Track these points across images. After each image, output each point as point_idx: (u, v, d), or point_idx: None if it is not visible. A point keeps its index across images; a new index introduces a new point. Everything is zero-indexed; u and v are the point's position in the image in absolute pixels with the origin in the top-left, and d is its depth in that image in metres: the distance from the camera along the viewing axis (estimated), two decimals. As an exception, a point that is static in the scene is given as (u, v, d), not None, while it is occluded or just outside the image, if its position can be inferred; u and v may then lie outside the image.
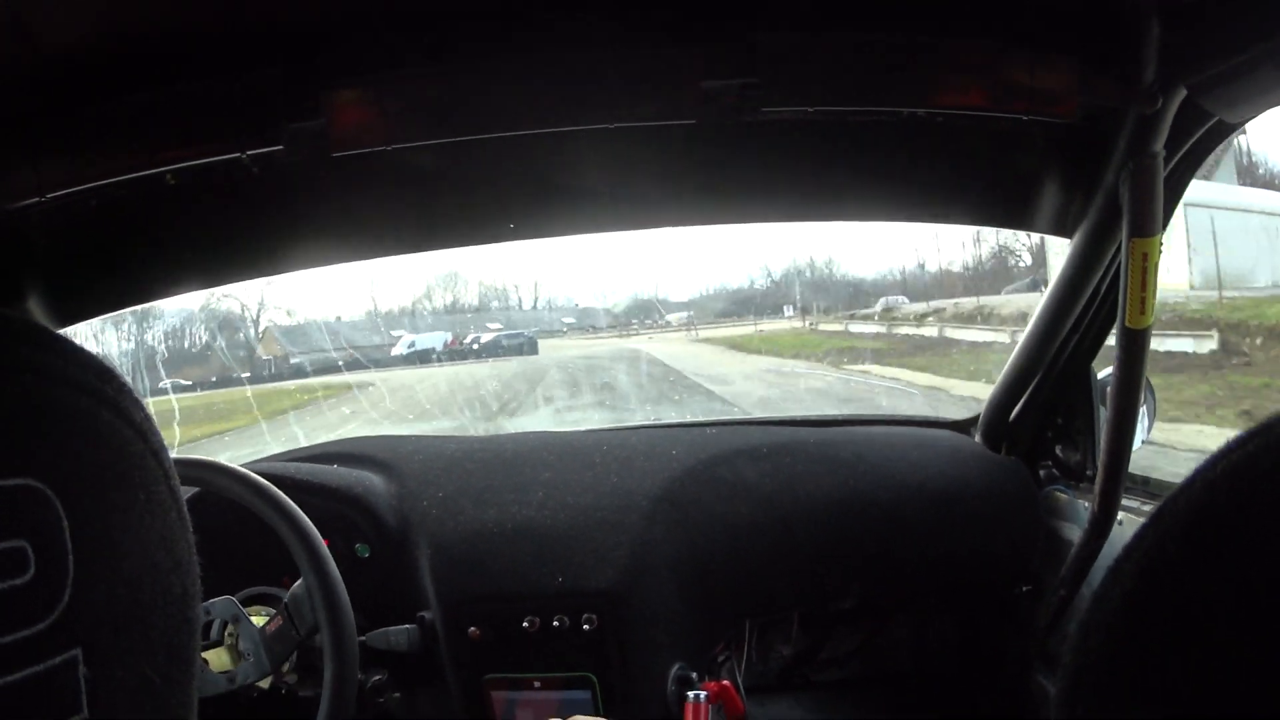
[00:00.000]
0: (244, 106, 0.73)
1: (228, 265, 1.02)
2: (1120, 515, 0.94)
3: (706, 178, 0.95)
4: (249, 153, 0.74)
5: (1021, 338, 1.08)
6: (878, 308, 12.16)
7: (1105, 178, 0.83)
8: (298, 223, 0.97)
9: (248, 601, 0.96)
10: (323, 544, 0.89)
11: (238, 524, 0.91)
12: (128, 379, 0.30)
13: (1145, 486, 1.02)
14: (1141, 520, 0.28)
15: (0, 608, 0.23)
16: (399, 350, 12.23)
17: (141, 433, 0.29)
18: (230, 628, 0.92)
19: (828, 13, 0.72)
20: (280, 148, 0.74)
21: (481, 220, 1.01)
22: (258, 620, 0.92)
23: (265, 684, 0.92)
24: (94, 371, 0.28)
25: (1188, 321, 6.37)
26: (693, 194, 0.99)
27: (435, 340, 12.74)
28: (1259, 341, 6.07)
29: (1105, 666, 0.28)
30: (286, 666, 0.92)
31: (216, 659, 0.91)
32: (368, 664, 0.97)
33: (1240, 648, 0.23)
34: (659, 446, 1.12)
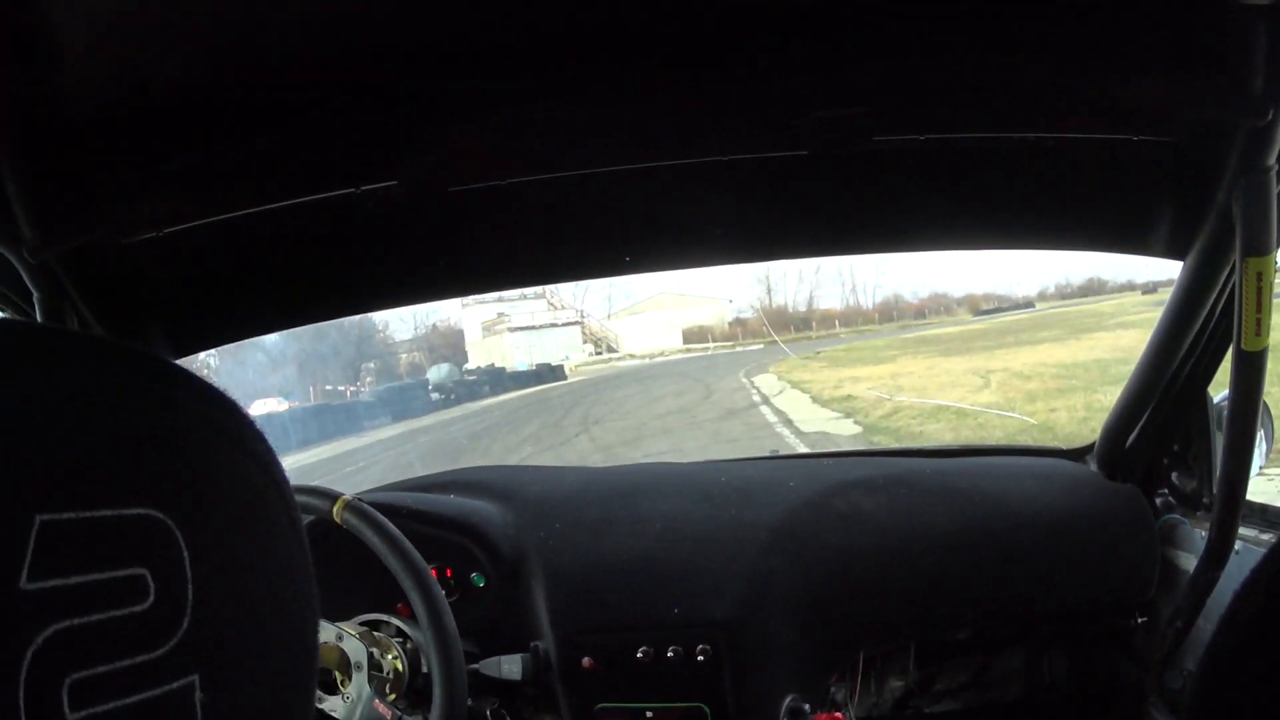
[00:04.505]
0: (360, 143, 0.75)
1: (343, 298, 1.05)
2: (1237, 544, 0.91)
3: (819, 209, 0.96)
4: (364, 188, 0.76)
5: (1136, 362, 1.05)
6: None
7: (1217, 196, 0.81)
8: (412, 257, 0.99)
9: (362, 625, 0.96)
10: (433, 580, 0.89)
11: (353, 550, 0.93)
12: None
13: (1263, 515, 0.99)
14: (1260, 550, 0.29)
15: (120, 632, 0.24)
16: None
17: (262, 465, 0.29)
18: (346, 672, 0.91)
19: (934, 41, 0.73)
20: (395, 183, 0.76)
21: (597, 253, 1.03)
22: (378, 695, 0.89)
23: (340, 715, 0.91)
24: (216, 404, 0.29)
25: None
26: (805, 225, 1.00)
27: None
28: None
29: (1229, 712, 0.27)
30: (394, 696, 0.92)
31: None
32: (479, 692, 0.99)
33: None
34: (775, 478, 1.13)
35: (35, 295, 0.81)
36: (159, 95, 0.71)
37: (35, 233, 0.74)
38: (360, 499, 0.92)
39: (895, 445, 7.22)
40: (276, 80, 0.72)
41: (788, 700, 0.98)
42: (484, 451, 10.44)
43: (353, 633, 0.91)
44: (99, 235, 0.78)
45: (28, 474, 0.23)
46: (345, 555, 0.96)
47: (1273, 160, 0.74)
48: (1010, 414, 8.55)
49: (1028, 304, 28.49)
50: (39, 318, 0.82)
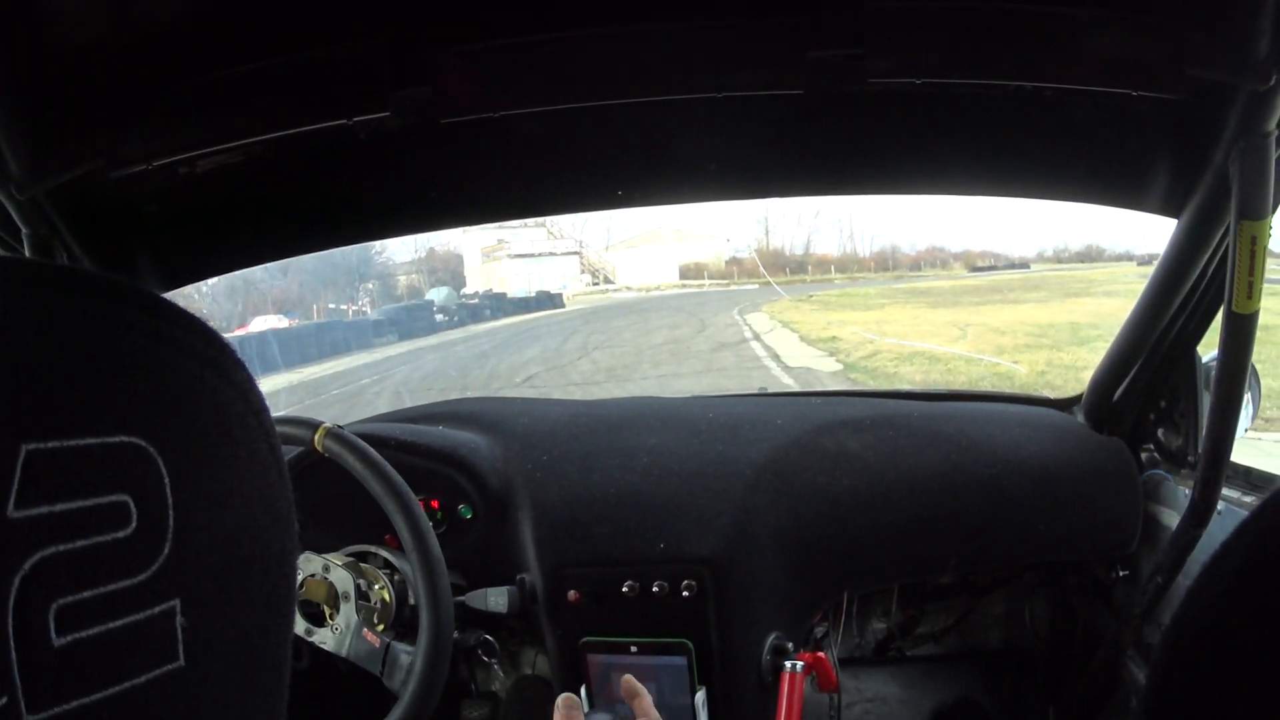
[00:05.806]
0: (352, 74, 0.74)
1: (332, 230, 1.03)
2: (1220, 505, 0.91)
3: (812, 148, 0.96)
4: (356, 119, 0.75)
5: (1127, 317, 1.05)
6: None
7: (1214, 157, 0.81)
8: (404, 189, 0.98)
9: (349, 556, 0.96)
10: (416, 502, 0.88)
11: (340, 482, 0.92)
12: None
13: (1247, 477, 0.99)
14: (1242, 512, 0.28)
15: (103, 559, 0.24)
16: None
17: (242, 392, 0.30)
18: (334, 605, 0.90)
19: None
20: (388, 114, 0.75)
21: (589, 187, 1.02)
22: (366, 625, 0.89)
23: (330, 646, 0.91)
24: (196, 333, 0.29)
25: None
26: (799, 164, 0.99)
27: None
28: None
29: (1196, 667, 0.28)
30: (382, 626, 0.92)
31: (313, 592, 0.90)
32: (466, 624, 0.99)
33: None
34: (764, 415, 1.13)
35: (24, 231, 0.80)
36: (147, 26, 0.70)
37: (23, 169, 0.73)
38: (344, 428, 0.91)
39: (871, 382, 8.04)
40: (266, 9, 0.71)
41: (771, 638, 0.98)
42: (492, 369, 10.94)
43: (339, 563, 0.91)
44: (87, 170, 0.77)
45: (14, 405, 0.24)
46: (331, 488, 0.96)
47: (1272, 125, 0.74)
48: (979, 357, 9.46)
49: (1023, 264, 28.53)
50: (27, 253, 0.82)
